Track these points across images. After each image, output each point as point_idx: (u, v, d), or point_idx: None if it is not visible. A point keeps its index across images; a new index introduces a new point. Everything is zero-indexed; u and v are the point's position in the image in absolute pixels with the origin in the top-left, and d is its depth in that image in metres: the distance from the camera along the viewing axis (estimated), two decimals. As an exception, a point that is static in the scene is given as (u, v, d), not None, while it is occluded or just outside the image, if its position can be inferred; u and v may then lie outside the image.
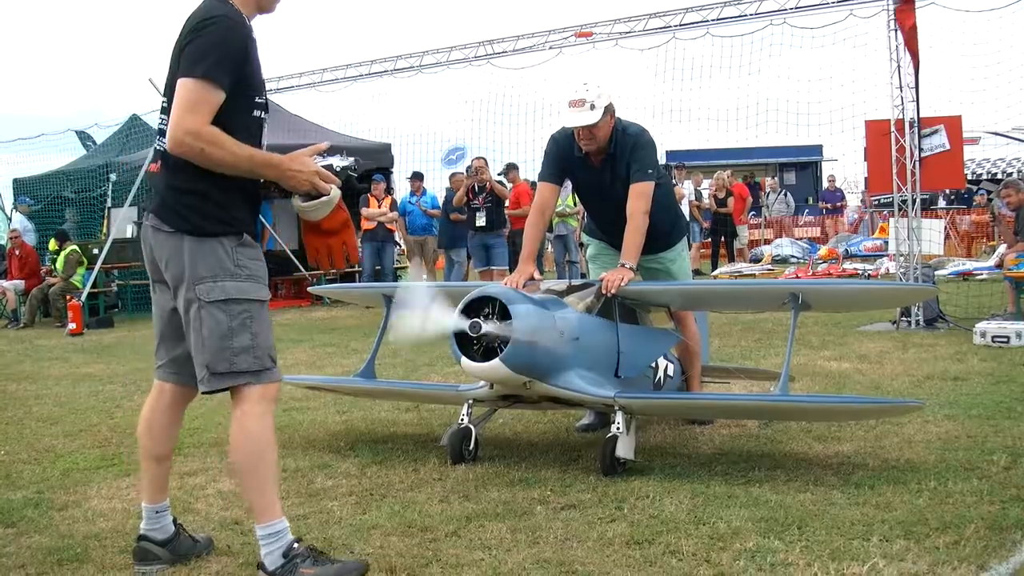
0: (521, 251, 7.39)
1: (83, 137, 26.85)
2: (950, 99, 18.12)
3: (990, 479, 5.78)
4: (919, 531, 4.93)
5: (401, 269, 21.40)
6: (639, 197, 7.06)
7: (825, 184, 33.34)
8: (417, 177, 20.99)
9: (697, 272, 19.96)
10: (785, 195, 33.54)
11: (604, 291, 6.77)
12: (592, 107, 6.93)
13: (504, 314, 6.09)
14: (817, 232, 31.40)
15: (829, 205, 32.33)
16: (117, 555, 5.09)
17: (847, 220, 30.74)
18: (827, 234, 29.99)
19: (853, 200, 32.07)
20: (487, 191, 17.31)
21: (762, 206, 33.22)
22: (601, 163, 7.24)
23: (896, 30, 12.96)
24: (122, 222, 20.14)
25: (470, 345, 6.18)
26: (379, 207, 19.64)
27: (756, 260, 25.67)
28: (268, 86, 20.08)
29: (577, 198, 11.32)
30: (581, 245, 13.95)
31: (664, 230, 7.49)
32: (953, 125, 13.24)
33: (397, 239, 20.56)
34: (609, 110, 7.02)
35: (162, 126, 4.54)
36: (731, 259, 24.58)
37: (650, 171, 7.12)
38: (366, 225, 19.61)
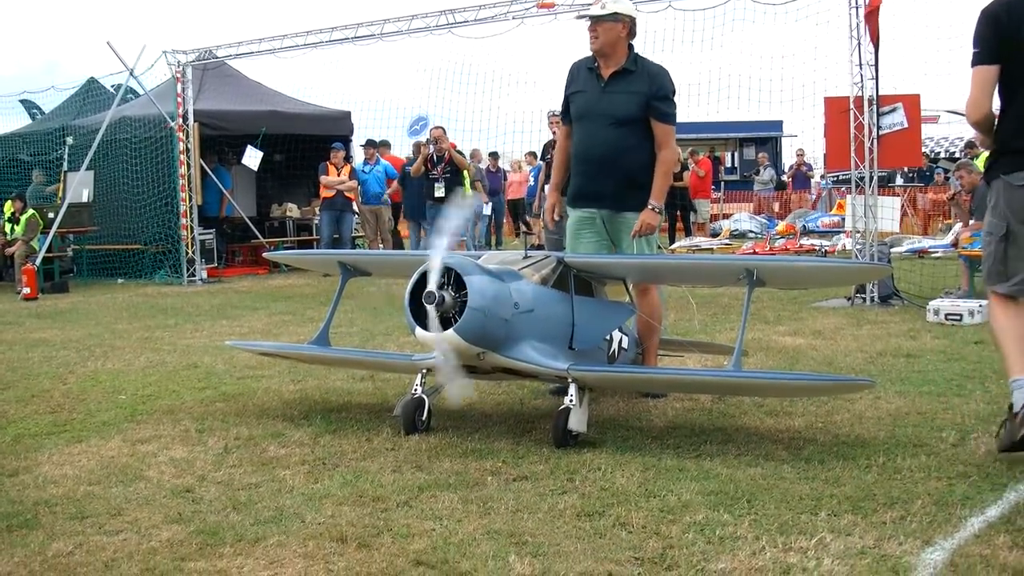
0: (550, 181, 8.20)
1: (29, 106, 26.47)
2: (914, 79, 18.28)
3: (938, 456, 5.85)
4: (867, 506, 4.99)
5: (359, 237, 21.33)
6: (667, 138, 7.48)
7: (795, 158, 33.37)
8: (370, 145, 20.75)
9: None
10: (767, 170, 33.56)
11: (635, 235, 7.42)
12: (604, 6, 7.36)
13: (459, 284, 6.09)
14: (776, 207, 31.54)
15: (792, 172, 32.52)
16: (67, 521, 5.07)
17: (812, 195, 30.87)
18: (789, 208, 30.10)
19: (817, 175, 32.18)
20: (446, 161, 17.18)
21: (754, 180, 33.23)
22: (611, 76, 7.45)
23: (858, 7, 12.98)
24: (78, 186, 19.84)
25: (424, 315, 6.17)
26: (338, 175, 19.53)
27: (715, 235, 25.80)
28: (225, 51, 19.73)
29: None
30: (538, 217, 13.80)
31: (643, 184, 7.47)
32: (911, 103, 13.28)
33: (355, 208, 20.42)
34: (622, 18, 7.39)
35: None
36: (688, 233, 24.66)
37: (673, 113, 7.57)
38: (325, 193, 19.54)
